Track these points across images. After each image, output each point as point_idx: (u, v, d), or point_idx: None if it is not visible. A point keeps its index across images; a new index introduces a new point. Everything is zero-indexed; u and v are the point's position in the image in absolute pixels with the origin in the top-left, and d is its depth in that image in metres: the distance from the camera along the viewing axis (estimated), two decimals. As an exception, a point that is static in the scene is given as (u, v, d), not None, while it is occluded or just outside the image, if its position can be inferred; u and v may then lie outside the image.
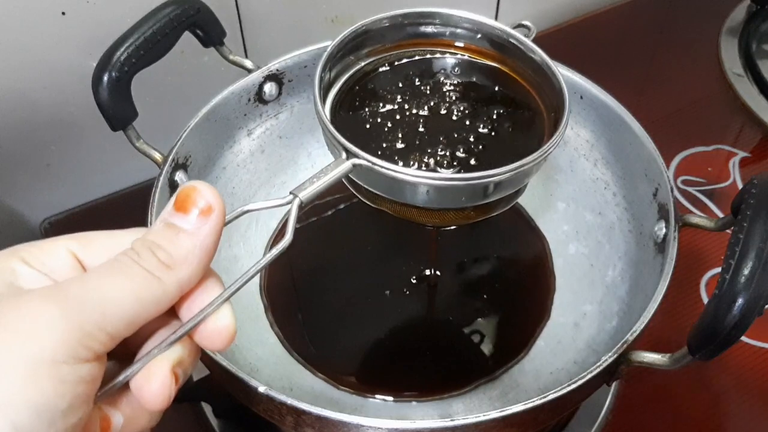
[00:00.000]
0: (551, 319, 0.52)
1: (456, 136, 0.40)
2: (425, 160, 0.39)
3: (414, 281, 0.54)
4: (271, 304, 0.52)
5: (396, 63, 0.44)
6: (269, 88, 0.52)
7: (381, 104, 0.42)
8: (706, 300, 0.57)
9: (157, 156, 0.46)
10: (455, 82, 0.43)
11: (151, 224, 0.39)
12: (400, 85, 0.43)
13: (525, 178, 0.39)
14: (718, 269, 0.46)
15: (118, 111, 0.43)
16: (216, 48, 0.50)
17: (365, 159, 0.35)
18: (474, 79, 0.44)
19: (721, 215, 0.58)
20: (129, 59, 0.42)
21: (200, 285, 0.26)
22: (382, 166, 0.35)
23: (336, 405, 0.47)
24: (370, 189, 0.39)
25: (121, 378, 0.25)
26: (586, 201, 0.54)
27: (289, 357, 0.50)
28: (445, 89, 0.43)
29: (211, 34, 0.48)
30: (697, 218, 0.43)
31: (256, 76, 0.51)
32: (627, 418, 0.52)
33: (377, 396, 0.48)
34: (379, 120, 0.41)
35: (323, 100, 0.40)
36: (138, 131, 0.45)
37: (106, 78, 0.42)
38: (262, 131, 0.55)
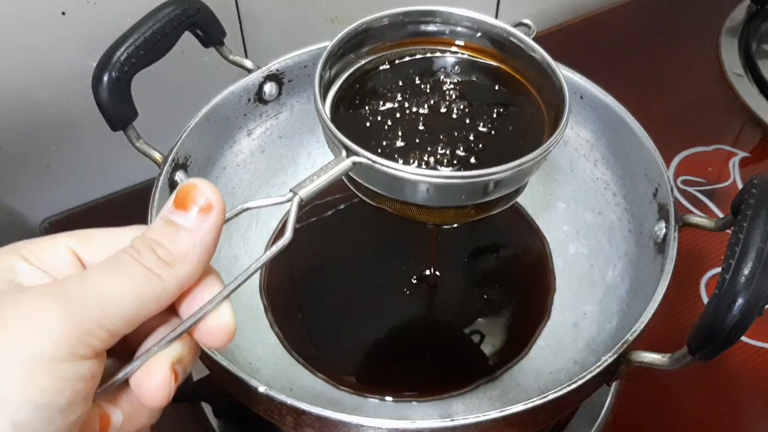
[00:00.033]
0: (551, 319, 0.52)
1: (456, 134, 0.40)
2: (425, 158, 0.39)
3: (414, 281, 0.54)
4: (271, 304, 0.52)
5: (396, 61, 0.44)
6: (269, 88, 0.52)
7: (381, 102, 0.42)
8: (706, 300, 0.57)
9: (157, 156, 0.46)
10: (455, 80, 0.43)
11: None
12: (401, 83, 0.43)
13: (525, 177, 0.39)
14: (718, 269, 0.46)
15: (118, 111, 0.44)
16: (216, 48, 0.50)
17: (365, 157, 0.35)
18: (474, 78, 0.44)
19: (721, 215, 0.58)
20: (129, 59, 0.42)
21: (200, 282, 0.26)
22: (382, 164, 0.35)
23: (336, 405, 0.47)
24: (370, 187, 0.39)
25: (120, 375, 0.25)
26: (586, 201, 0.54)
27: (289, 357, 0.50)
28: (445, 88, 0.43)
29: (211, 34, 0.49)
30: (697, 218, 0.43)
31: (256, 76, 0.51)
32: (627, 418, 0.52)
33: (377, 396, 0.48)
34: (379, 118, 0.41)
35: (323, 98, 0.40)
36: (138, 131, 0.45)
37: (106, 78, 0.42)
38: (262, 131, 0.55)
